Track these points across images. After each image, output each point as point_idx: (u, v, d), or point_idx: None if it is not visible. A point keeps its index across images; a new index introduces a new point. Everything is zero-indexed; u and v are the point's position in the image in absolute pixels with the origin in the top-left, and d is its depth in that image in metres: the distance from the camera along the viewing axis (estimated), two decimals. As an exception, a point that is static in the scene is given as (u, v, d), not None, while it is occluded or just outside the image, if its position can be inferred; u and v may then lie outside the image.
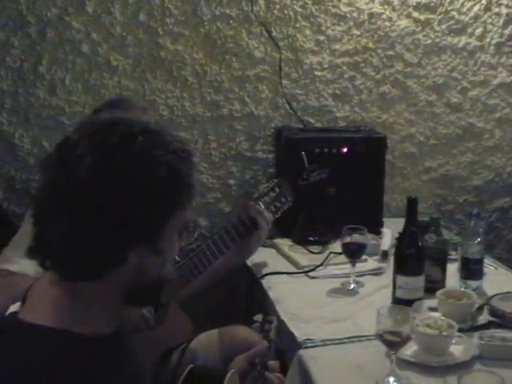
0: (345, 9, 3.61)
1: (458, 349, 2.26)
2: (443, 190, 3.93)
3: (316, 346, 2.34)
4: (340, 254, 3.03)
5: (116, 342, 1.46)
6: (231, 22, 3.48)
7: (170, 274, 1.49)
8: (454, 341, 2.26)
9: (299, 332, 2.43)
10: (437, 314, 2.45)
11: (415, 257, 2.62)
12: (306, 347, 2.33)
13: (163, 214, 1.41)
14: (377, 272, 3.02)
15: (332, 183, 3.41)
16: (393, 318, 2.10)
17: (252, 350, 2.01)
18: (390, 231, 3.28)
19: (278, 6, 3.52)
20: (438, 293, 2.57)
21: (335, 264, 3.05)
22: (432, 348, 2.23)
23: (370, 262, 3.07)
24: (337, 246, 3.12)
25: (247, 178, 3.65)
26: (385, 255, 3.13)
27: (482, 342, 2.26)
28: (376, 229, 3.33)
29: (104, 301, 1.42)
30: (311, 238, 3.31)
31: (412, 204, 2.67)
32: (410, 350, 2.20)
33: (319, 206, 3.37)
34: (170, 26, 3.42)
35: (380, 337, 2.09)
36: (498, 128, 3.95)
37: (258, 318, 2.04)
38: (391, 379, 2.08)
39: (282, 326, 2.49)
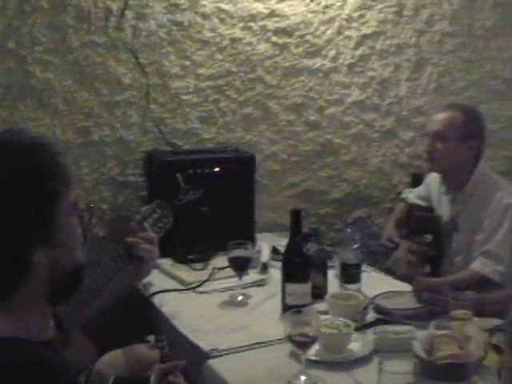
0: (208, 34, 3.75)
1: (356, 345, 2.43)
2: (306, 203, 4.12)
3: (223, 354, 2.43)
4: (223, 268, 3.15)
5: (54, 348, 1.51)
6: (99, 49, 3.54)
7: (81, 258, 1.54)
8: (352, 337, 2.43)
9: (203, 343, 2.51)
10: (328, 316, 2.61)
11: (302, 265, 2.77)
12: (214, 356, 2.42)
13: (42, 208, 1.46)
14: (260, 283, 3.15)
15: (206, 202, 3.50)
16: (299, 321, 2.23)
17: (168, 363, 2.09)
18: (267, 244, 3.43)
19: (144, 33, 3.61)
20: (328, 296, 2.75)
21: (220, 278, 3.16)
22: (334, 346, 2.39)
23: (252, 275, 3.20)
24: (218, 262, 3.25)
25: (120, 202, 3.70)
26: (264, 267, 3.28)
27: (377, 337, 2.43)
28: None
29: (33, 308, 1.47)
30: (191, 256, 3.40)
31: (296, 216, 2.82)
32: (314, 350, 2.34)
33: (195, 225, 3.46)
34: (39, 53, 3.44)
35: (289, 339, 2.22)
36: (354, 143, 4.20)
37: (151, 338, 2.15)
38: (302, 378, 2.21)
39: (183, 340, 2.58)
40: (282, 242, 3.50)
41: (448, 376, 2.13)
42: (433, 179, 3.61)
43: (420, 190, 3.79)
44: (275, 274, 3.21)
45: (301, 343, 2.21)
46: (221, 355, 2.43)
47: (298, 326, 2.23)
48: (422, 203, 3.72)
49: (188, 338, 2.60)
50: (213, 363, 2.38)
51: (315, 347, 2.36)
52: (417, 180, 4.11)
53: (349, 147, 4.20)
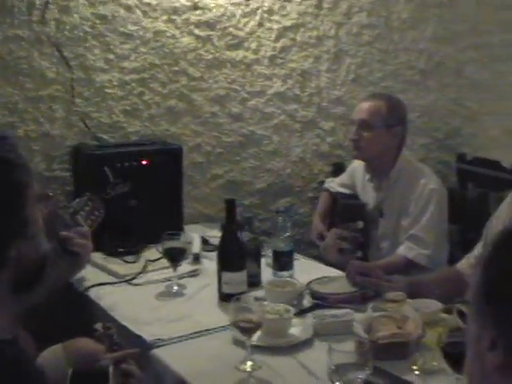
0: (132, 28, 3.75)
1: (297, 330, 2.49)
2: (230, 194, 4.12)
3: (167, 344, 2.46)
4: (156, 260, 3.18)
5: (19, 346, 1.52)
6: (23, 43, 3.50)
7: (46, 248, 1.57)
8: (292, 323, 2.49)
9: (146, 334, 2.53)
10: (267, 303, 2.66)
11: (237, 254, 2.83)
12: (158, 346, 2.44)
13: (15, 201, 1.48)
14: (194, 274, 3.18)
15: (135, 195, 3.52)
16: (241, 308, 2.28)
17: (120, 352, 2.10)
18: (198, 235, 3.46)
19: (68, 27, 3.59)
20: (265, 283, 2.81)
21: (154, 270, 3.18)
22: (277, 331, 2.45)
23: (184, 266, 3.22)
24: (149, 254, 3.27)
25: (46, 198, 3.66)
26: (196, 258, 3.31)
27: (317, 320, 2.50)
28: (179, 234, 3.49)
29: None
30: (122, 249, 3.40)
31: (230, 205, 2.86)
32: (257, 336, 2.39)
33: (125, 218, 3.47)
34: (-39, 49, 3.39)
35: (235, 325, 2.27)
36: (276, 134, 4.27)
37: (99, 326, 2.16)
38: (248, 363, 2.26)
39: (125, 331, 2.59)
40: (210, 233, 3.58)
41: (390, 354, 2.22)
42: (357, 167, 3.70)
43: (343, 178, 3.88)
44: (207, 264, 3.27)
45: (246, 329, 2.25)
46: (165, 345, 2.45)
47: (241, 312, 2.27)
48: (345, 191, 3.81)
49: (129, 329, 2.61)
50: (158, 353, 2.41)
51: (258, 333, 2.41)
52: (338, 169, 4.21)
53: (271, 138, 4.26)
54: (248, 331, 2.26)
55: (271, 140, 4.26)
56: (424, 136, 4.67)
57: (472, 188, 4.33)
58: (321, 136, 4.42)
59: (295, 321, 2.53)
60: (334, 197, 3.85)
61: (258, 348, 2.35)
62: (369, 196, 3.59)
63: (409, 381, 2.09)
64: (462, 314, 2.07)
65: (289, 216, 3.22)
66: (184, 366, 2.29)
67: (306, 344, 2.41)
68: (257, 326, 2.26)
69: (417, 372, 2.15)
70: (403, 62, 4.56)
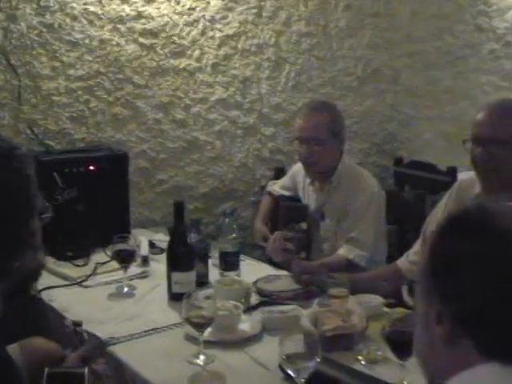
0: (78, 36, 3.83)
1: (246, 325, 2.60)
2: (175, 199, 4.24)
3: (122, 341, 2.54)
4: (106, 263, 3.26)
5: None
6: (-30, 50, 3.55)
7: (42, 258, 1.63)
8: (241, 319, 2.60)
9: (100, 332, 2.60)
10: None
11: (186, 254, 2.92)
12: (113, 344, 2.52)
13: (29, 212, 1.56)
14: (143, 275, 3.27)
15: (83, 200, 3.57)
16: (192, 306, 2.38)
17: (83, 347, 2.17)
18: (145, 238, 3.55)
19: (15, 35, 3.65)
20: (214, 282, 2.92)
21: (104, 272, 3.25)
22: (227, 327, 2.55)
23: (133, 268, 3.30)
24: (98, 257, 3.35)
25: (-6, 204, 3.70)
26: (144, 260, 3.40)
27: (265, 316, 2.61)
28: (127, 238, 3.57)
29: None
30: (71, 253, 3.46)
31: (179, 207, 2.96)
32: (208, 332, 2.49)
33: (74, 223, 3.52)
34: None
35: (188, 321, 2.37)
36: (218, 140, 4.38)
37: (68, 323, 2.23)
38: (201, 357, 2.35)
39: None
40: (156, 237, 3.67)
41: (337, 346, 2.34)
42: (298, 170, 3.81)
43: (285, 180, 3.99)
44: (155, 266, 3.36)
45: (199, 324, 2.35)
46: (119, 342, 2.54)
47: (192, 309, 2.37)
48: (287, 193, 3.92)
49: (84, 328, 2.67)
50: (113, 350, 2.49)
51: (209, 329, 2.51)
52: (279, 173, 4.33)
53: (214, 143, 4.37)
54: (200, 326, 2.36)
55: (214, 146, 4.37)
56: (362, 141, 4.84)
57: (409, 190, 4.49)
58: (262, 141, 4.54)
59: (244, 317, 2.64)
60: (277, 199, 3.95)
61: (209, 343, 2.45)
62: (310, 199, 3.69)
63: (356, 369, 2.21)
64: (410, 291, 2.22)
65: (234, 219, 3.32)
66: (139, 362, 2.37)
67: (255, 338, 2.52)
68: (209, 322, 2.36)
69: (362, 362, 2.28)
70: (341, 69, 4.73)
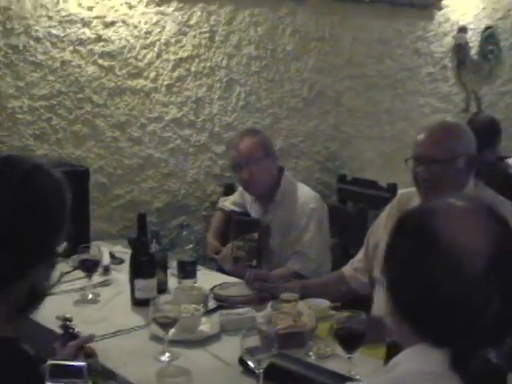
0: (41, 57, 4.04)
1: (206, 327, 2.83)
2: (131, 213, 4.42)
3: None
4: (70, 272, 3.45)
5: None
6: None
7: (50, 286, 1.79)
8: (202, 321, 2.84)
9: (70, 335, 2.81)
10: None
11: (148, 263, 3.15)
12: (82, 345, 2.73)
13: (57, 233, 1.73)
14: (105, 284, 3.48)
15: (45, 213, 3.76)
16: (160, 308, 2.61)
17: (78, 340, 2.38)
18: (106, 249, 3.76)
19: (-19, 56, 3.84)
20: (175, 287, 3.15)
21: (68, 281, 3.44)
22: (189, 327, 2.78)
23: (95, 277, 3.50)
24: (60, 267, 3.51)
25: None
26: (106, 269, 3.60)
27: (223, 318, 2.85)
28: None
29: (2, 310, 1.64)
30: (35, 263, 3.64)
31: (142, 219, 3.18)
32: (172, 332, 2.71)
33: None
34: None
35: (155, 321, 2.59)
36: (172, 157, 4.61)
37: (59, 319, 2.47)
38: (167, 354, 2.58)
39: (49, 333, 2.85)
40: (115, 249, 3.88)
41: (289, 343, 2.58)
42: (246, 188, 4.05)
43: (235, 196, 4.22)
44: (116, 275, 3.57)
45: (164, 324, 2.58)
46: (88, 343, 2.75)
47: (158, 312, 2.60)
48: (238, 209, 4.15)
49: (54, 331, 2.87)
50: (83, 350, 2.70)
51: (173, 330, 2.73)
52: (228, 189, 4.58)
53: (168, 161, 4.60)
54: (166, 326, 2.58)
55: (168, 163, 4.60)
56: (306, 159, 5.12)
57: (351, 206, 4.77)
58: (213, 159, 4.78)
59: (204, 319, 2.87)
60: (228, 215, 4.17)
61: (173, 342, 2.67)
62: (257, 215, 3.94)
63: (308, 362, 2.47)
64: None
65: (191, 230, 3.55)
66: (107, 359, 2.55)
67: (214, 338, 2.75)
68: (174, 322, 2.59)
69: (313, 357, 2.53)
70: (288, 91, 5.02)
